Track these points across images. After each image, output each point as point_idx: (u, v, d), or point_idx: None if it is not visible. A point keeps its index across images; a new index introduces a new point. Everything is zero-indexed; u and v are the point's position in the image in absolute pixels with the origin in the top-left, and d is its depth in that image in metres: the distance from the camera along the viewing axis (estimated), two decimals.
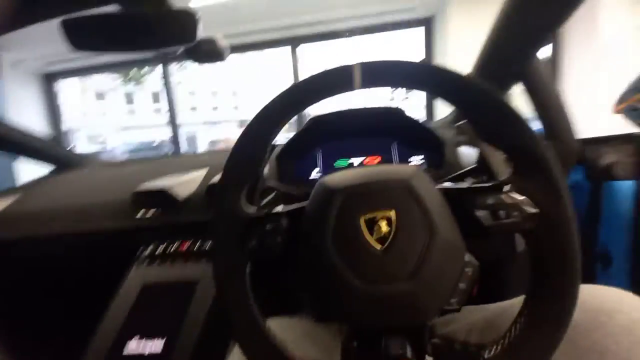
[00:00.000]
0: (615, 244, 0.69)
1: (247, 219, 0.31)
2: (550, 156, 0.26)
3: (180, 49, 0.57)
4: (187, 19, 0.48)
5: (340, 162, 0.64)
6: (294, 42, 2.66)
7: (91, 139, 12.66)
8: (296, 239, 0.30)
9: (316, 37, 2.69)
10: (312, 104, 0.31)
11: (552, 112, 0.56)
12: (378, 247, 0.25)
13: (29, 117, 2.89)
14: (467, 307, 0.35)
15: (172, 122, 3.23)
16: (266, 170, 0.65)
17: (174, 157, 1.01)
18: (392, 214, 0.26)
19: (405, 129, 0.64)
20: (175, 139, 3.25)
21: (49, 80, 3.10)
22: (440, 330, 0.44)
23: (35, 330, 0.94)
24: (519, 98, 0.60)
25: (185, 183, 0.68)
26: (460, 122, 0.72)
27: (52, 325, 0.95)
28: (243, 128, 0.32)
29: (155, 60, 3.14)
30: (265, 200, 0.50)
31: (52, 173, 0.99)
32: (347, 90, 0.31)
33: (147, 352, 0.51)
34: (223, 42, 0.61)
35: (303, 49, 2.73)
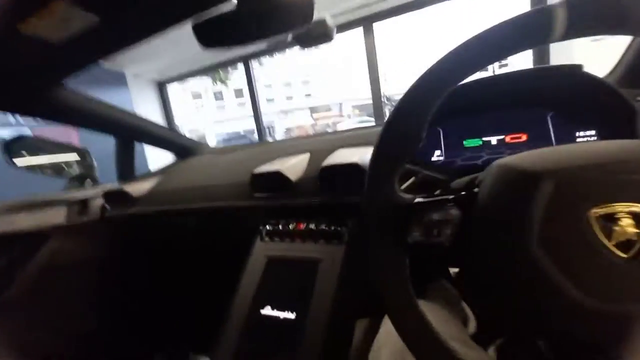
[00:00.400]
0: None
1: (407, 207, 0.27)
2: None
3: (290, 35, 0.56)
4: (303, 2, 0.47)
5: (470, 142, 0.53)
6: (366, 21, 2.50)
7: (191, 132, 15.05)
8: (468, 233, 0.25)
9: (391, 13, 2.46)
10: (492, 62, 0.24)
11: None
12: (620, 254, 0.18)
13: (150, 117, 3.59)
14: None
15: (255, 114, 3.52)
16: None
17: (271, 143, 1.08)
18: None
19: (570, 96, 0.48)
20: (258, 129, 3.55)
21: (160, 86, 3.77)
22: None
23: (169, 294, 1.16)
24: None
25: (293, 166, 0.71)
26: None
27: (185, 289, 1.16)
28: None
29: (238, 60, 3.44)
30: (404, 185, 0.47)
31: (178, 159, 1.19)
32: (543, 43, 0.23)
33: (281, 317, 0.56)
34: (331, 23, 0.58)
35: (376, 27, 2.54)
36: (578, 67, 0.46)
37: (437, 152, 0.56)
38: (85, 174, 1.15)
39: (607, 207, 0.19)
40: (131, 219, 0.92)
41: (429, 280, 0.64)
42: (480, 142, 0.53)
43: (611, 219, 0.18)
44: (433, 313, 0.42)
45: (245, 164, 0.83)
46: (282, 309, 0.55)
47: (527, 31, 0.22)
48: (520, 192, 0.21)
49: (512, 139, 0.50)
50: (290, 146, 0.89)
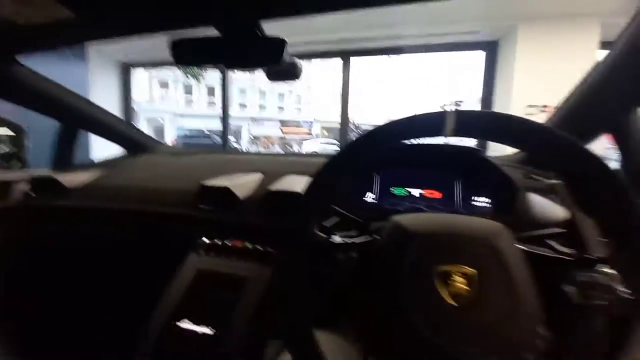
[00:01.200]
0: None
1: (321, 246, 0.32)
2: None
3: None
4: (277, 45, 0.52)
5: (398, 190, 0.64)
6: (345, 54, 2.71)
7: (150, 121, 13.98)
8: (365, 273, 0.30)
9: (370, 52, 2.71)
10: (397, 143, 0.32)
11: None
12: (451, 301, 0.25)
13: (105, 99, 3.28)
14: None
15: (224, 115, 3.48)
16: None
17: (229, 153, 1.09)
18: (473, 272, 0.26)
19: (474, 169, 0.61)
20: (224, 131, 3.49)
21: (124, 69, 3.53)
22: None
23: (90, 297, 1.05)
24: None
25: (243, 184, 0.74)
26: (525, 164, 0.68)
27: (109, 295, 1.06)
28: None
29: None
30: (330, 223, 0.53)
31: (128, 155, 1.12)
32: (436, 136, 0.31)
33: (200, 331, 0.56)
34: (300, 65, 0.65)
35: (355, 61, 2.77)
36: (478, 151, 0.59)
37: (372, 195, 0.64)
38: (14, 153, 1.04)
39: (448, 266, 0.26)
40: (59, 210, 0.85)
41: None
42: (404, 192, 0.63)
43: (449, 276, 0.26)
44: (335, 345, 0.47)
45: (197, 172, 0.83)
46: (202, 324, 0.56)
47: (428, 125, 0.31)
48: (398, 244, 0.28)
49: (429, 194, 0.62)
50: (245, 161, 0.92)
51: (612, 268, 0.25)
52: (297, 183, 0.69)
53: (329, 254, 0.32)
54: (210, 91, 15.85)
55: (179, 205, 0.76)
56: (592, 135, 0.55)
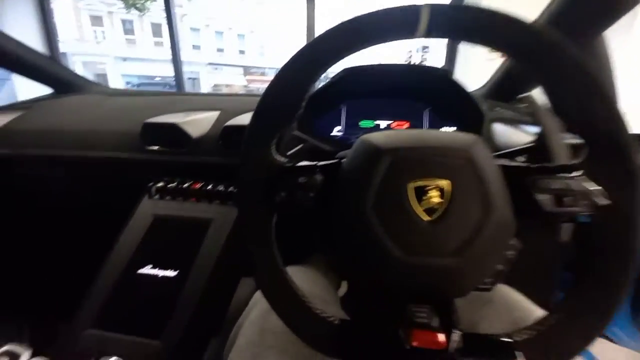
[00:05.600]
0: None
1: (278, 169, 0.29)
2: (634, 146, 0.23)
3: None
4: None
5: (365, 123, 0.61)
6: None
7: (87, 66, 11.95)
8: (329, 197, 0.28)
9: None
10: (363, 47, 0.28)
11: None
12: (425, 217, 0.24)
13: (22, 34, 2.67)
14: None
15: (175, 59, 3.03)
16: None
17: (182, 95, 0.96)
18: (447, 184, 0.24)
19: (442, 96, 0.59)
20: (178, 77, 3.09)
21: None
22: None
23: (36, 256, 0.96)
24: None
25: (196, 122, 0.66)
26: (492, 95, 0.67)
27: (54, 250, 0.97)
28: (273, 73, 0.29)
29: None
30: (291, 151, 0.48)
31: (53, 94, 0.95)
32: (406, 37, 0.27)
33: (160, 275, 0.53)
34: None
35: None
36: (446, 72, 0.56)
37: (338, 128, 0.61)
38: None
39: (422, 180, 0.23)
40: None
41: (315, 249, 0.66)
42: (373, 125, 0.60)
43: (423, 191, 0.23)
44: (304, 275, 0.47)
45: (141, 112, 0.73)
46: (163, 268, 0.53)
47: (398, 23, 0.25)
48: (367, 162, 0.25)
49: (397, 125, 0.59)
50: (199, 101, 0.81)
51: (586, 175, 0.24)
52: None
53: (291, 178, 0.28)
54: (156, 29, 13.67)
55: (122, 149, 0.66)
56: None
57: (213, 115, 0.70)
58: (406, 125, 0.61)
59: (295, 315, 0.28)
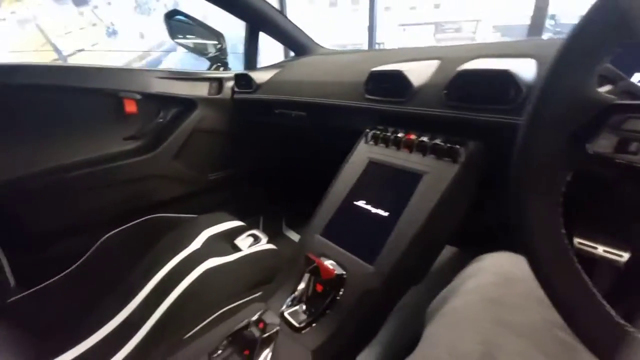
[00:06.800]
0: None
1: (602, 108, 0.21)
2: None
3: None
4: None
5: None
6: None
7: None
8: None
9: None
10: None
11: None
12: None
13: None
14: None
15: (370, 24, 3.12)
16: None
17: (394, 49, 0.97)
18: None
19: None
20: (370, 43, 3.19)
21: None
22: None
23: (276, 169, 1.38)
24: None
25: (417, 69, 0.63)
26: None
27: (290, 169, 1.42)
28: None
29: None
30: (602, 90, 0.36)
31: (296, 55, 1.23)
32: None
33: (373, 211, 0.58)
34: None
35: None
36: None
37: None
38: (218, 57, 1.30)
39: None
40: (253, 102, 1.04)
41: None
42: None
43: None
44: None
45: (362, 65, 0.79)
46: (375, 207, 0.57)
47: None
48: None
49: None
50: (415, 52, 0.78)
51: None
52: (497, 63, 0.51)
53: (620, 123, 0.19)
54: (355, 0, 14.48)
55: (346, 97, 0.75)
56: None
57: (432, 63, 0.65)
58: None
59: (581, 311, 0.22)
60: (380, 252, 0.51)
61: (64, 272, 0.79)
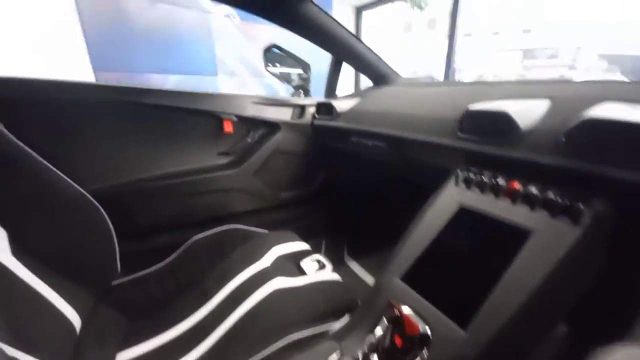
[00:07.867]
0: None
1: None
2: None
3: None
4: None
5: None
6: None
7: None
8: None
9: None
10: None
11: None
12: None
13: None
14: None
15: (449, 50, 3.01)
16: None
17: (488, 83, 0.88)
18: None
19: None
20: (447, 72, 3.08)
21: (358, 12, 3.80)
22: None
23: (350, 198, 1.38)
24: None
25: (524, 110, 0.56)
26: None
27: (366, 201, 1.37)
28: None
29: None
30: None
31: (375, 85, 1.23)
32: None
33: (464, 264, 0.51)
34: None
35: None
36: None
37: None
38: (302, 85, 1.40)
39: None
40: (331, 128, 1.08)
41: None
42: None
43: None
44: None
45: (454, 99, 0.74)
46: (468, 261, 0.50)
47: None
48: None
49: None
50: (516, 88, 0.70)
51: None
52: (630, 110, 0.42)
53: None
54: (430, 24, 14.36)
55: (435, 133, 0.71)
56: None
57: (542, 104, 0.57)
58: None
59: None
60: (475, 316, 0.44)
61: (158, 265, 0.91)
